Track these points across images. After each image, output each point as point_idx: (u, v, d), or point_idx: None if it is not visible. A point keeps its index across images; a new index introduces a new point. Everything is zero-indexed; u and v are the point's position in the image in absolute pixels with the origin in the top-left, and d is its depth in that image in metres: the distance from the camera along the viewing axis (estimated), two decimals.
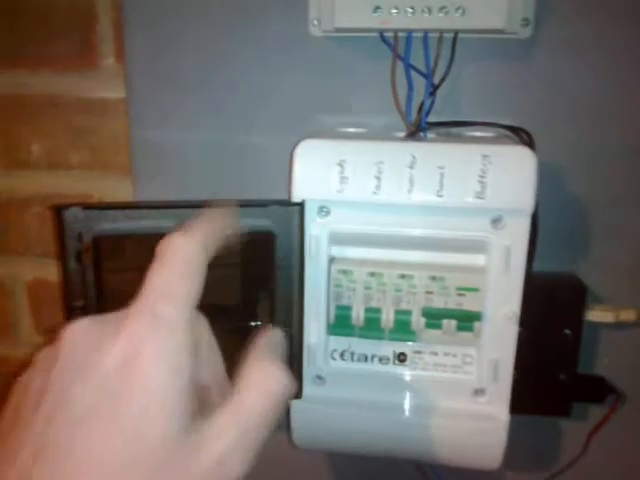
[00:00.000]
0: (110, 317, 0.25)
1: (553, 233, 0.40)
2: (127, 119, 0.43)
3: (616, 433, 0.42)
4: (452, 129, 0.39)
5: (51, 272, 0.49)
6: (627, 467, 0.44)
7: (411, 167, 0.34)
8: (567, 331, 0.39)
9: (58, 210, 0.33)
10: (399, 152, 0.34)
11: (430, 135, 0.38)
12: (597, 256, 0.41)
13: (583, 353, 0.39)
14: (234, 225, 0.29)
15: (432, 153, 0.34)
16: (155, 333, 0.23)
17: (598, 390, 0.41)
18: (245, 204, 0.35)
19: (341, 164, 0.34)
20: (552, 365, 0.40)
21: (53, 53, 0.44)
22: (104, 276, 0.35)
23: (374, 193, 0.34)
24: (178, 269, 0.25)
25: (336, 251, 0.37)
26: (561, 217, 0.40)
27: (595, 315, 0.39)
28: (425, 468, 0.44)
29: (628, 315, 0.40)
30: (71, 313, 0.35)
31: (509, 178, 0.33)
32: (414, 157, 0.34)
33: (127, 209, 0.34)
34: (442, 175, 0.33)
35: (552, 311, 0.39)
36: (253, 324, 0.38)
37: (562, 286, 0.39)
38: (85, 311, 0.35)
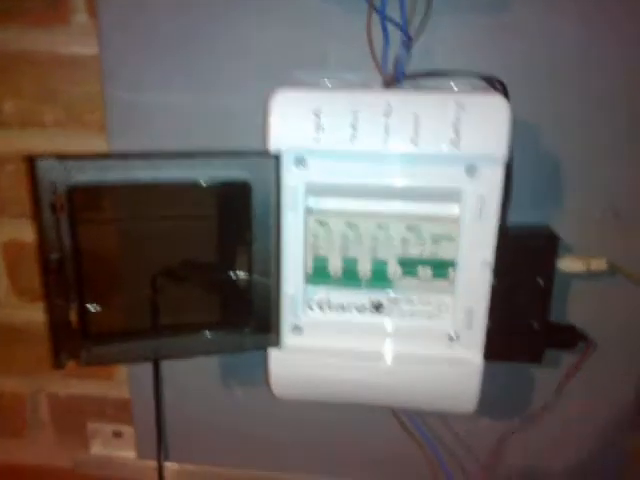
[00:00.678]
0: None
1: (527, 186, 0.40)
2: (101, 76, 0.43)
3: (586, 380, 0.43)
4: (428, 82, 0.39)
5: (27, 233, 0.48)
6: (596, 412, 0.46)
7: (387, 116, 0.34)
8: (539, 280, 0.40)
9: (31, 160, 0.33)
10: (375, 101, 0.34)
11: (406, 87, 0.38)
12: (570, 208, 0.42)
13: (555, 302, 0.40)
14: None
15: (407, 102, 0.34)
16: None
17: (569, 337, 0.42)
18: (221, 155, 0.35)
19: (317, 113, 0.34)
20: (525, 313, 0.40)
21: (23, 7, 0.43)
22: (80, 228, 0.35)
23: (350, 142, 0.34)
24: None
25: (313, 202, 0.37)
26: (535, 170, 0.41)
27: (567, 264, 0.40)
28: (401, 416, 0.45)
29: (599, 264, 0.41)
30: (47, 266, 0.35)
31: (483, 126, 0.34)
32: (389, 106, 0.34)
33: (102, 160, 0.34)
34: (417, 123, 0.34)
35: (525, 261, 0.39)
36: (232, 276, 0.39)
37: (535, 236, 0.40)
38: (61, 264, 0.35)
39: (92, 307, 0.37)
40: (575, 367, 0.42)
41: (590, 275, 0.41)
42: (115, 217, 0.38)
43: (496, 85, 0.37)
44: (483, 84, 0.38)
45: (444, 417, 0.46)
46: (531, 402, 0.46)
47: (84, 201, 0.35)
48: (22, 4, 0.43)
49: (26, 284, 0.50)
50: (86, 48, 0.43)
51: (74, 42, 0.43)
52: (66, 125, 0.45)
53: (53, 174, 0.33)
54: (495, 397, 0.44)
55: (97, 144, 0.44)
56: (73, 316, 0.37)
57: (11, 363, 0.53)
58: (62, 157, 0.33)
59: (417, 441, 0.46)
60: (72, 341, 0.37)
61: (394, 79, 0.38)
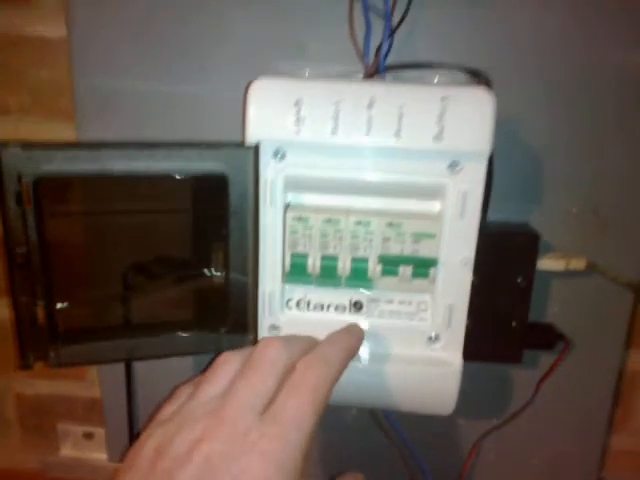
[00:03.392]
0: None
1: (506, 183, 0.40)
2: (69, 60, 0.41)
3: (563, 378, 0.43)
4: (410, 75, 0.38)
5: None
6: (574, 411, 0.46)
7: (369, 108, 0.33)
8: (519, 279, 0.39)
9: None
10: (357, 92, 0.33)
11: (387, 79, 0.37)
12: (549, 206, 0.41)
13: (533, 301, 0.40)
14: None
15: (391, 94, 0.33)
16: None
17: (547, 337, 0.42)
18: (196, 146, 0.34)
19: (298, 104, 0.33)
20: (504, 313, 0.40)
21: None
22: (47, 221, 0.33)
23: (331, 134, 0.33)
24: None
25: (292, 197, 0.36)
26: (514, 167, 0.40)
27: (546, 263, 0.40)
28: (379, 416, 0.45)
29: (578, 263, 0.40)
30: (12, 261, 0.33)
31: (467, 119, 0.33)
32: (373, 97, 0.33)
33: (71, 149, 0.32)
34: (401, 116, 0.33)
35: (505, 259, 0.39)
36: (207, 273, 0.37)
37: (515, 234, 0.39)
38: (27, 258, 0.33)
39: (61, 304, 0.35)
40: (553, 367, 0.42)
41: (569, 273, 0.40)
42: (85, 210, 0.36)
43: (480, 77, 0.36)
44: (466, 77, 0.37)
45: (421, 417, 0.46)
46: (508, 402, 0.45)
47: (52, 193, 0.33)
48: None
49: None
50: (54, 30, 0.41)
51: (41, 23, 0.41)
52: (32, 111, 0.43)
53: (19, 164, 0.31)
54: (471, 397, 0.43)
55: (65, 132, 0.42)
56: (41, 314, 0.35)
57: None
58: (28, 146, 0.31)
59: (394, 441, 0.45)
60: (40, 341, 0.35)
61: (376, 70, 0.37)
